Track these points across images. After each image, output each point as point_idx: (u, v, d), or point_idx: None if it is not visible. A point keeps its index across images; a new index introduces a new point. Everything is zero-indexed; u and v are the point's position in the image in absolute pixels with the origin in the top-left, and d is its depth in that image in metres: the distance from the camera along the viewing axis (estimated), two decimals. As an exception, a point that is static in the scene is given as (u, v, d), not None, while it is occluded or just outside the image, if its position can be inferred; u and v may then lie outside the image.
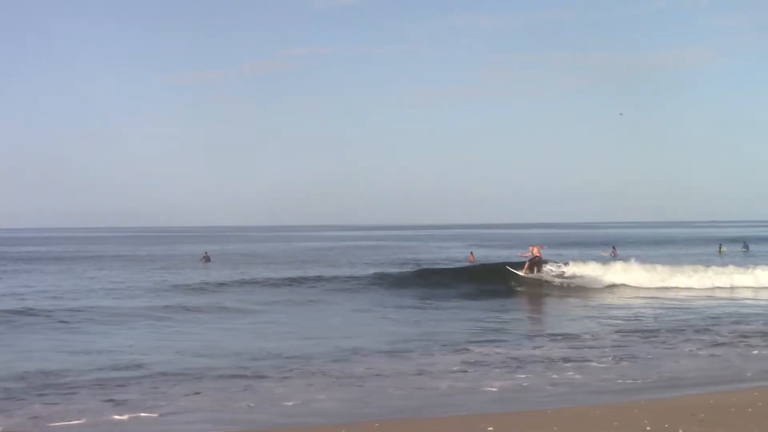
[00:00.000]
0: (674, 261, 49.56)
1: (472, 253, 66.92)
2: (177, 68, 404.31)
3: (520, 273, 38.65)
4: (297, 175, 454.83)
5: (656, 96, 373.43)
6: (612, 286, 37.65)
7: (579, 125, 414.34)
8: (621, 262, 41.36)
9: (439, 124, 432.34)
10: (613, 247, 72.10)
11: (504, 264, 41.04)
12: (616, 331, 22.42)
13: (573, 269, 39.14)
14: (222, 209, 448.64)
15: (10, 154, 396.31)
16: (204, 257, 60.85)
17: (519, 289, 37.22)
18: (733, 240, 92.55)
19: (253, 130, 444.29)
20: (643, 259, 60.37)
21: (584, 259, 41.93)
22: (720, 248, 73.35)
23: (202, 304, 29.84)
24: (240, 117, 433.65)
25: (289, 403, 13.67)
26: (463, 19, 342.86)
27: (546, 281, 37.99)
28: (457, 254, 71.33)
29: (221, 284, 38.09)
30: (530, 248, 39.89)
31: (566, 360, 17.84)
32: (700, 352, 18.94)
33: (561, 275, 38.47)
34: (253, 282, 38.86)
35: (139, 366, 16.77)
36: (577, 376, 16.08)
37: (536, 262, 38.70)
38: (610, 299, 33.40)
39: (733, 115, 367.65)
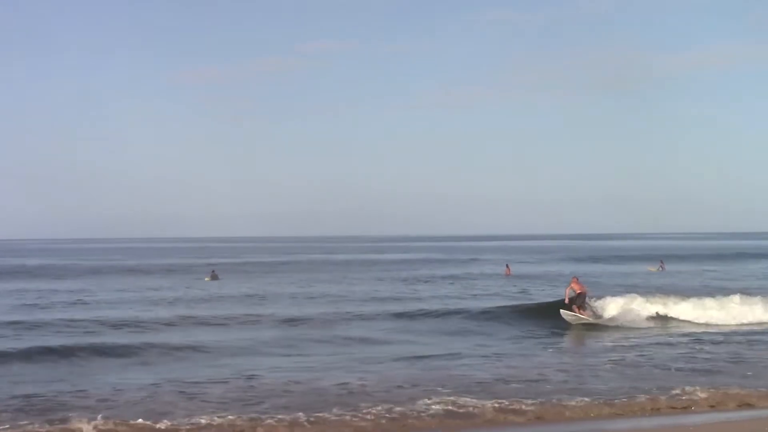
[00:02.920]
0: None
1: (508, 265, 62.63)
2: (182, 66, 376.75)
3: (579, 315, 30.54)
4: (311, 183, 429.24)
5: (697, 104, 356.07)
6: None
7: (606, 127, 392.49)
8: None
9: (464, 127, 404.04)
10: (661, 261, 66.87)
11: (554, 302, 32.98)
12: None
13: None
14: (229, 219, 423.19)
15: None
16: (211, 275, 56.04)
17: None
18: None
19: (264, 132, 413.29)
20: (694, 276, 56.07)
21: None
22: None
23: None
24: (248, 118, 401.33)
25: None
26: (493, 14, 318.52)
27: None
28: (493, 268, 66.82)
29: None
30: (573, 284, 31.50)
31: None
32: None
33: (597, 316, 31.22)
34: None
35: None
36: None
37: (578, 299, 31.05)
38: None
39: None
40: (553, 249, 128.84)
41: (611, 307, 31.72)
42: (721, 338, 25.40)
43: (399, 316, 31.79)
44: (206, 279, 54.56)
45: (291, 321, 29.93)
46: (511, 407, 14.98)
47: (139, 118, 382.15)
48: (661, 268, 63.67)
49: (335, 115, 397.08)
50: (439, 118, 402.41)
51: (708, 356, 21.43)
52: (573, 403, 15.34)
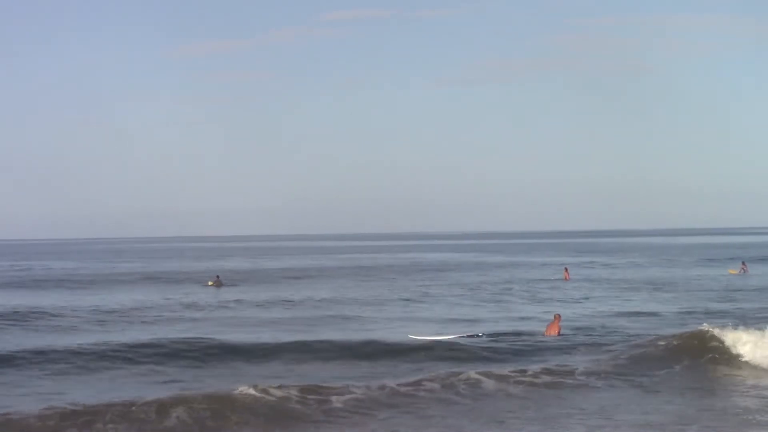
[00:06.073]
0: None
1: (566, 269, 55.63)
2: (191, 38, 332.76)
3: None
4: (332, 173, 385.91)
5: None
6: None
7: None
8: None
9: (510, 106, 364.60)
10: (743, 263, 58.91)
11: None
12: None
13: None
14: (240, 214, 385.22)
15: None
16: (214, 281, 49.78)
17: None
18: None
19: (282, 114, 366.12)
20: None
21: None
22: None
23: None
24: (265, 98, 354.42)
25: None
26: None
27: None
28: (549, 272, 59.71)
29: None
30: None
31: None
32: None
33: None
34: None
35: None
36: None
37: None
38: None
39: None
40: (615, 247, 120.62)
41: None
42: None
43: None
44: (209, 283, 49.00)
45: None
46: None
47: (136, 100, 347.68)
48: (743, 270, 55.95)
49: (360, 90, 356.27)
50: (490, 94, 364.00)
51: None
52: None
